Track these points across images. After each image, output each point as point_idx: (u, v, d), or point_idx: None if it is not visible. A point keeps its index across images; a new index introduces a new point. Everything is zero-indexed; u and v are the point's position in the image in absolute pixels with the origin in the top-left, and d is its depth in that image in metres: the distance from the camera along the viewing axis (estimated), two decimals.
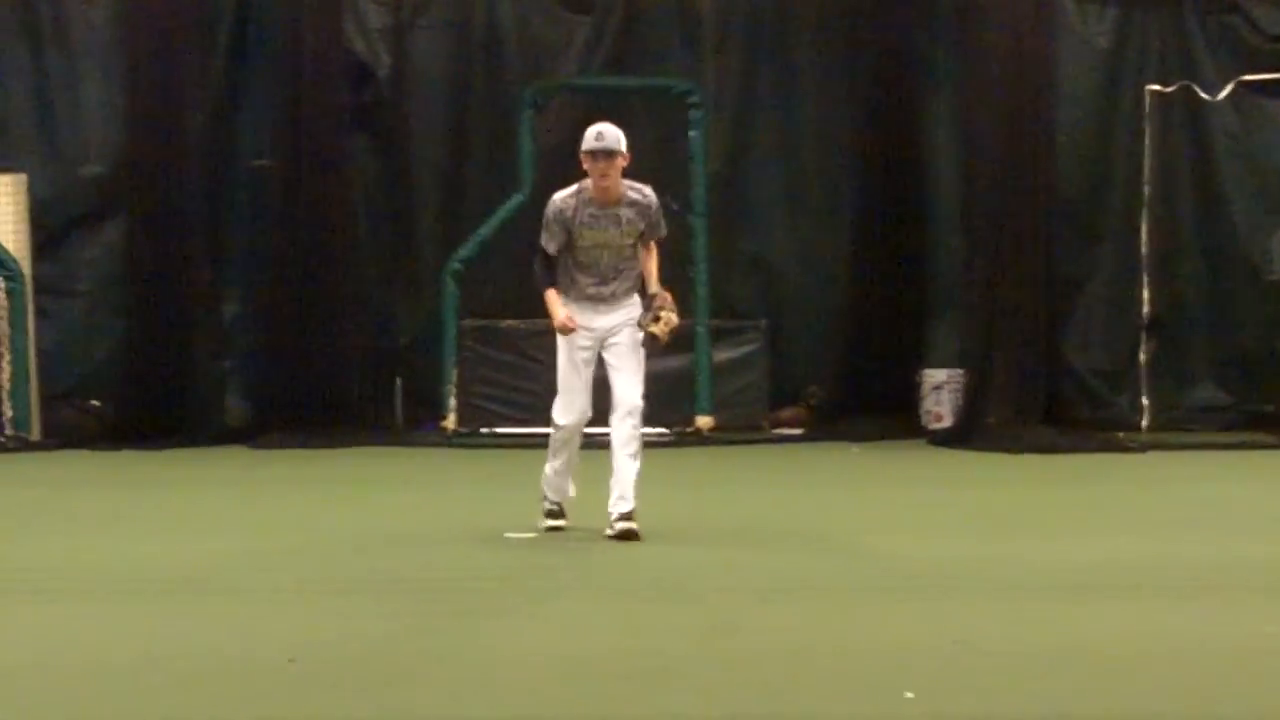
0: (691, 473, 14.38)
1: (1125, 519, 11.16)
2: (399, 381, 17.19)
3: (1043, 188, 16.28)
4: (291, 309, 16.47)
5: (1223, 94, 16.97)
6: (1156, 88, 16.99)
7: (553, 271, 9.80)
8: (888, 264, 17.11)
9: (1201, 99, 16.98)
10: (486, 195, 17.00)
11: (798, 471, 14.57)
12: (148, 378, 16.33)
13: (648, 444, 15.49)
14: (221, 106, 16.92)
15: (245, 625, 7.31)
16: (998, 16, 16.26)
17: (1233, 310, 17.12)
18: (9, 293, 16.13)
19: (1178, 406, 17.10)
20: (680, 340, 16.47)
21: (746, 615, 7.47)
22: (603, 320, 9.79)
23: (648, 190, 9.92)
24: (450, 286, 16.69)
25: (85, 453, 15.77)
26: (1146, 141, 16.91)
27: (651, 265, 9.90)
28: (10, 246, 16.26)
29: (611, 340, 9.80)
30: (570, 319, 9.67)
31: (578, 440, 9.88)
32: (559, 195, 9.78)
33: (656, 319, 9.69)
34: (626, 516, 9.60)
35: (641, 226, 9.79)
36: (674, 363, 16.66)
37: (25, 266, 16.32)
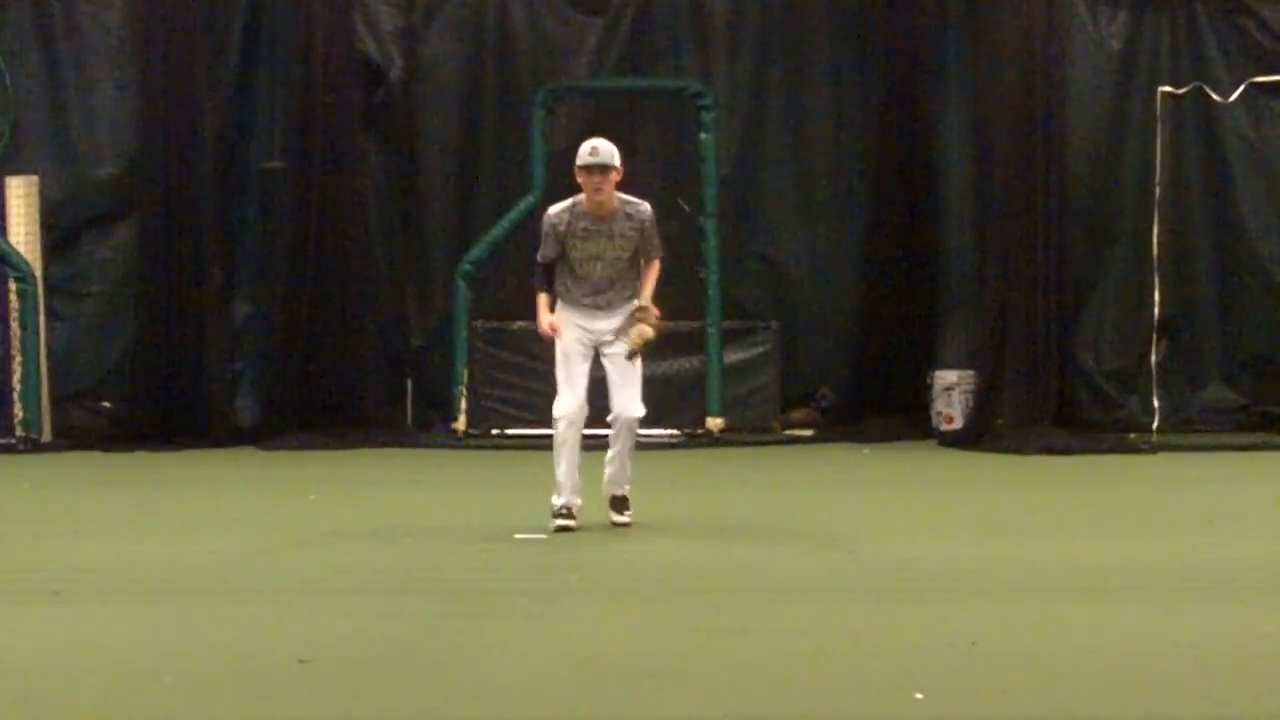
0: (702, 474, 14.41)
1: (1136, 520, 11.14)
2: (409, 382, 17.21)
3: (1054, 189, 16.25)
4: (302, 310, 16.48)
5: (1234, 95, 16.94)
6: (1168, 89, 16.97)
7: (549, 278, 10.12)
8: (899, 265, 17.11)
9: (1213, 100, 16.96)
10: (498, 196, 17.01)
11: (808, 473, 14.57)
12: (159, 379, 16.35)
13: (659, 445, 15.70)
14: (233, 108, 16.94)
15: (255, 626, 7.32)
16: (1009, 19, 16.25)
17: (1244, 311, 17.11)
18: (20, 294, 16.15)
19: (1189, 408, 17.08)
20: (691, 342, 16.68)
21: (756, 616, 7.47)
22: (600, 324, 10.10)
23: (644, 206, 10.16)
24: (461, 288, 16.69)
25: (96, 454, 15.80)
26: (1158, 143, 16.89)
27: (648, 280, 10.16)
28: (22, 248, 16.28)
29: (611, 350, 10.10)
30: (553, 326, 10.00)
31: (577, 435, 10.01)
32: (554, 208, 10.13)
33: (635, 327, 9.94)
34: (619, 500, 10.19)
35: (636, 241, 10.05)
36: (685, 364, 16.73)
37: (37, 268, 16.35)
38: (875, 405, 17.07)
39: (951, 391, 16.75)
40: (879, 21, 17.32)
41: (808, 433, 16.91)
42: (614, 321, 10.07)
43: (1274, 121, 17.05)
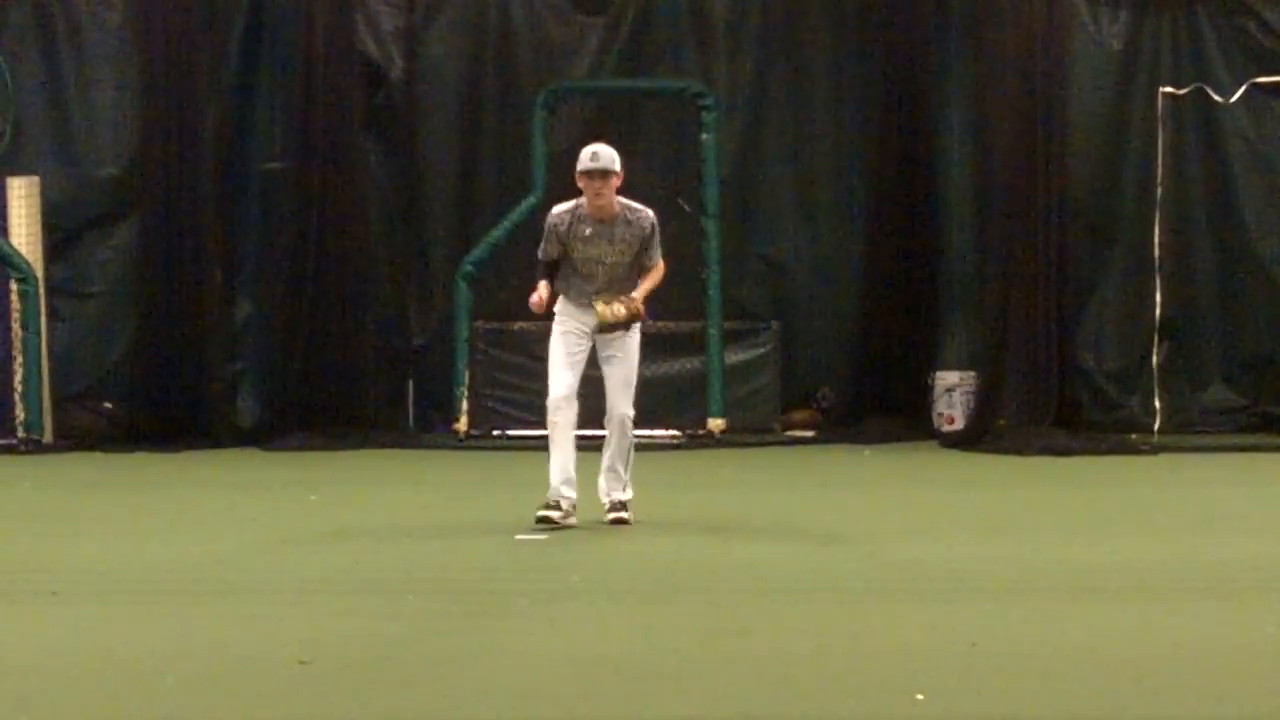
0: (703, 475, 14.40)
1: (1137, 521, 11.14)
2: (410, 383, 17.21)
3: (1055, 190, 16.24)
4: (303, 311, 16.49)
5: (1235, 96, 16.93)
6: (1169, 90, 16.96)
7: (549, 270, 10.31)
8: (900, 266, 17.11)
9: (1214, 101, 16.95)
10: (499, 197, 17.01)
11: (809, 473, 14.57)
12: (160, 379, 16.36)
13: (660, 446, 15.70)
14: (234, 109, 16.95)
15: (256, 626, 7.32)
16: (1010, 19, 16.24)
17: (1245, 312, 17.11)
18: (22, 295, 16.15)
19: (1190, 409, 17.07)
20: (692, 343, 16.68)
21: (757, 616, 7.47)
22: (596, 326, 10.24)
23: (646, 213, 10.31)
24: (462, 289, 16.69)
25: (97, 454, 15.81)
26: (1159, 144, 16.87)
27: (648, 280, 10.34)
28: (23, 248, 16.28)
29: (607, 353, 10.30)
30: (542, 300, 10.20)
31: (567, 421, 10.10)
32: (557, 209, 10.31)
33: (610, 303, 10.10)
34: (618, 505, 10.22)
35: (636, 247, 10.20)
36: (685, 365, 16.75)
37: (38, 268, 16.35)
38: (876, 406, 17.07)
39: (952, 392, 16.77)
40: (879, 22, 17.32)
41: (808, 434, 16.92)
42: (616, 330, 10.23)
43: (1275, 122, 17.04)
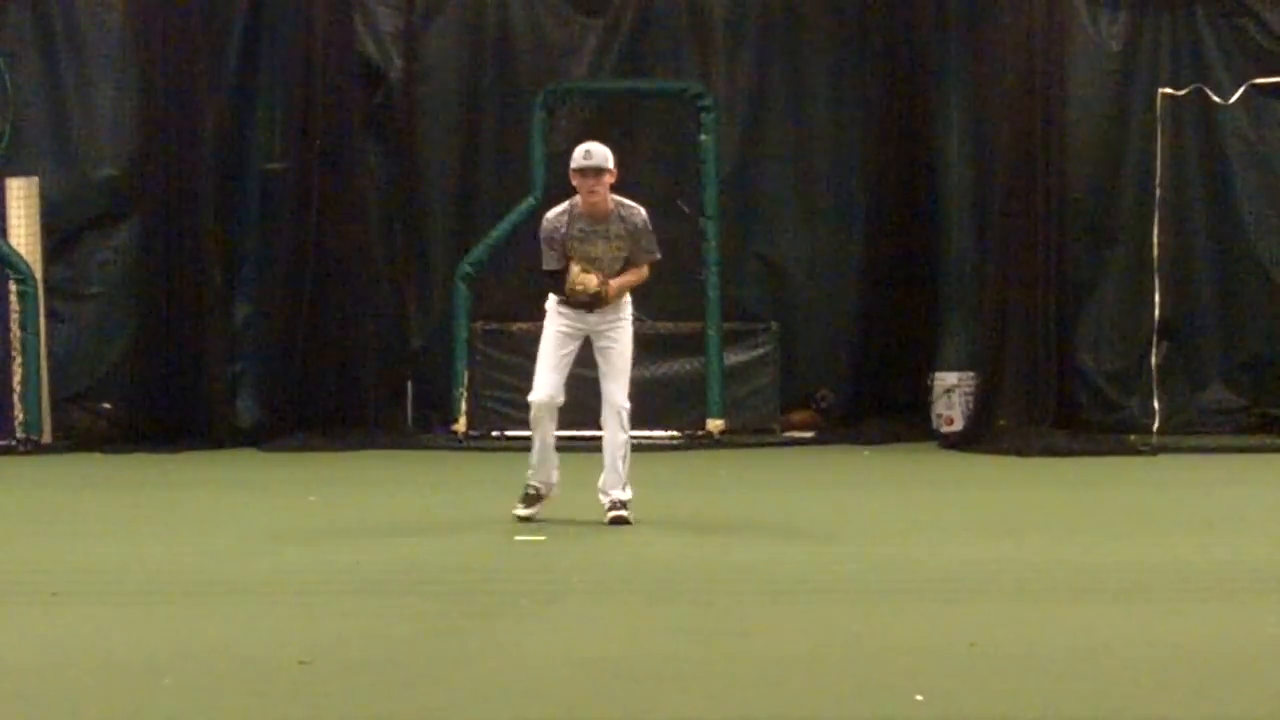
0: (702, 475, 14.40)
1: (1136, 522, 11.14)
2: (410, 384, 17.21)
3: (1054, 190, 16.25)
4: (303, 311, 16.49)
5: (1234, 97, 16.94)
6: (1168, 91, 16.97)
7: (561, 279, 10.33)
8: (899, 267, 17.12)
9: (1213, 102, 16.96)
10: (498, 198, 17.02)
11: (808, 474, 14.57)
12: (159, 380, 16.37)
13: (659, 447, 15.71)
14: (233, 109, 16.95)
15: (255, 626, 7.32)
16: (1009, 19, 16.26)
17: (1244, 313, 17.11)
18: (21, 295, 16.15)
19: (1189, 409, 17.08)
20: (691, 344, 16.68)
21: (756, 617, 7.47)
22: (591, 317, 10.34)
23: (638, 209, 10.39)
24: (461, 289, 16.70)
25: (96, 455, 15.82)
26: (1158, 144, 16.88)
27: (631, 273, 10.38)
28: (22, 249, 16.28)
29: (601, 344, 10.38)
30: (579, 279, 10.19)
31: (549, 423, 10.36)
32: (551, 213, 10.41)
33: (589, 272, 10.20)
34: (619, 505, 10.27)
35: (630, 243, 10.29)
36: (685, 366, 16.75)
37: (37, 269, 16.35)
38: (875, 407, 17.08)
39: (951, 393, 16.77)
40: (879, 22, 17.33)
41: (808, 434, 16.92)
42: (606, 315, 10.33)
43: (1274, 123, 17.05)
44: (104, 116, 16.85)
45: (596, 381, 10.48)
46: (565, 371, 10.38)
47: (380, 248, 17.14)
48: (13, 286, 16.19)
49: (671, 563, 9.08)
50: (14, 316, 16.16)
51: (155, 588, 8.39)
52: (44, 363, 16.30)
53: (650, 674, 6.28)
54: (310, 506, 12.03)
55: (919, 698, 5.84)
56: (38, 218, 16.52)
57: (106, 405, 16.74)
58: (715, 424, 16.63)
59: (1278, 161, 17.04)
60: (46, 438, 16.23)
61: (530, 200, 16.30)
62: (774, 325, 17.25)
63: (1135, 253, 16.99)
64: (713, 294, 16.64)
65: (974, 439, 15.96)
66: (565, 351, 10.37)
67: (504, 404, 16.65)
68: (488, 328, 16.76)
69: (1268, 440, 16.19)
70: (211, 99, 16.67)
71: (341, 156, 16.63)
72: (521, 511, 10.47)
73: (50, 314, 16.56)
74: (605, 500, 10.34)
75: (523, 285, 15.63)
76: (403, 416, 17.16)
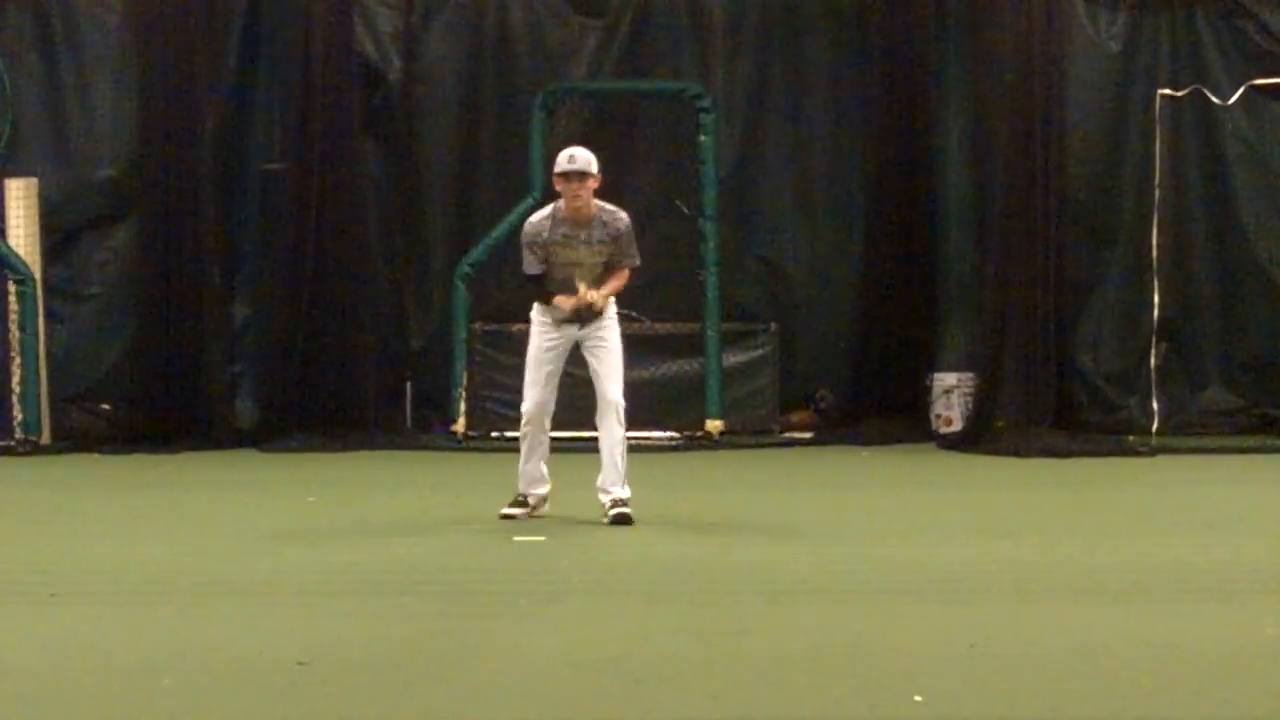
0: (701, 476, 14.40)
1: (1135, 522, 11.14)
2: (409, 384, 17.21)
3: (1053, 191, 16.26)
4: (302, 312, 16.49)
5: (1233, 98, 16.95)
6: (1167, 91, 16.98)
7: (544, 285, 10.45)
8: (898, 267, 17.13)
9: (1212, 103, 16.97)
10: (497, 198, 17.03)
11: (807, 475, 14.58)
12: (158, 380, 16.36)
13: (658, 448, 15.71)
14: (232, 110, 16.96)
15: (254, 627, 7.32)
16: (1009, 20, 16.26)
17: (1243, 313, 17.12)
18: (20, 296, 16.15)
19: (1188, 410, 17.09)
20: (690, 344, 16.69)
21: (756, 617, 7.47)
22: (575, 328, 10.41)
23: (621, 214, 10.45)
24: (460, 290, 16.70)
25: (95, 456, 15.82)
26: (1157, 145, 16.89)
27: (613, 280, 10.43)
28: (21, 249, 16.29)
29: (590, 343, 10.44)
30: (582, 296, 10.24)
31: (541, 433, 10.49)
32: (533, 217, 10.51)
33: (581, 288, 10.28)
34: (619, 503, 10.28)
35: (611, 248, 10.35)
36: (684, 367, 16.76)
37: (36, 269, 16.36)
38: (874, 407, 17.08)
39: (950, 393, 16.78)
40: (878, 23, 17.34)
41: (807, 435, 16.93)
42: (590, 320, 10.36)
43: (1273, 124, 17.06)
44: (103, 117, 16.86)
45: (590, 381, 10.53)
46: (554, 382, 10.48)
47: (379, 248, 17.15)
48: (12, 287, 16.19)
49: (671, 563, 9.08)
50: (13, 317, 16.16)
51: (154, 588, 8.39)
52: (43, 363, 16.30)
53: (650, 674, 6.28)
54: (309, 507, 12.03)
55: (918, 698, 5.84)
56: (37, 218, 16.52)
57: (105, 406, 16.74)
58: (714, 424, 16.63)
59: (1276, 162, 17.05)
60: (45, 438, 16.23)
61: (529, 201, 16.27)
62: (773, 326, 17.25)
63: (1134, 253, 17.00)
64: (712, 294, 16.64)
65: (973, 439, 15.97)
66: (551, 366, 10.46)
67: (503, 404, 16.62)
68: (487, 328, 16.75)
69: (1267, 440, 16.20)
70: (211, 99, 16.68)
71: (340, 157, 16.64)
72: (506, 510, 10.57)
73: (49, 314, 16.56)
74: (606, 499, 10.35)
75: (522, 286, 15.61)
76: (402, 417, 17.17)
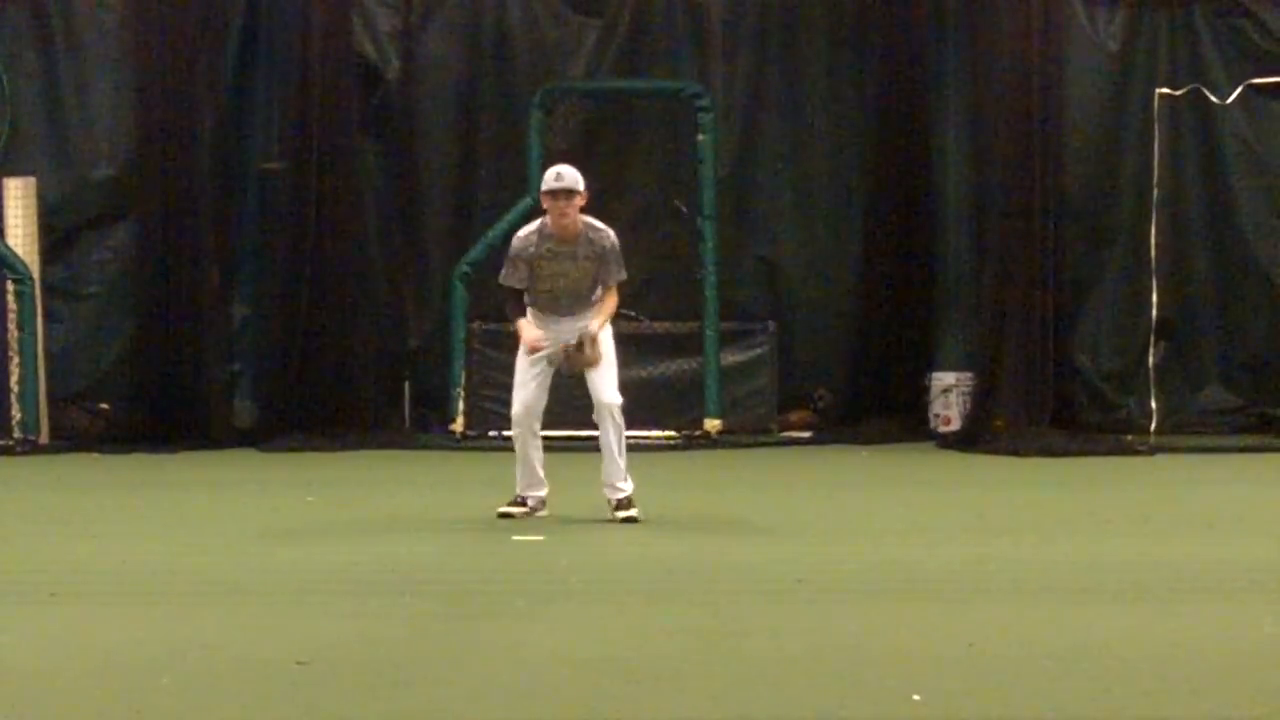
0: (700, 475, 14.40)
1: (1134, 522, 11.14)
2: (407, 384, 17.21)
3: (1052, 190, 16.26)
4: (300, 311, 16.49)
5: (1232, 97, 16.95)
6: (1166, 91, 16.97)
7: (520, 303, 10.58)
8: (896, 267, 17.14)
9: (1211, 102, 16.97)
10: (495, 198, 17.02)
11: (806, 474, 14.57)
12: (156, 380, 16.37)
13: (657, 447, 15.70)
14: (231, 109, 16.96)
15: (253, 627, 7.32)
16: (1007, 20, 16.25)
17: (1242, 313, 17.12)
18: (18, 295, 16.15)
19: (1187, 409, 17.09)
20: (689, 344, 16.69)
21: (755, 617, 7.47)
22: (564, 328, 10.51)
23: (608, 232, 10.52)
24: (459, 289, 16.70)
25: (94, 455, 15.82)
26: (1155, 144, 16.89)
27: (604, 307, 10.50)
28: (20, 249, 16.29)
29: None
30: (540, 340, 10.43)
31: (531, 434, 10.54)
32: (522, 232, 10.59)
33: (573, 348, 10.33)
34: (623, 504, 10.36)
35: (596, 265, 10.42)
36: (682, 366, 16.76)
37: (34, 269, 16.36)
38: (873, 407, 17.09)
39: (949, 393, 16.77)
40: (876, 22, 17.34)
41: (805, 434, 16.93)
42: (578, 324, 10.45)
43: (1272, 123, 17.06)
44: (102, 117, 16.86)
45: (581, 381, 10.58)
46: (543, 383, 10.54)
47: (378, 247, 17.15)
48: (10, 286, 16.19)
49: (670, 562, 9.08)
50: (11, 316, 16.16)
51: (153, 587, 8.39)
52: (41, 363, 16.30)
53: (649, 674, 6.28)
54: (308, 506, 12.03)
55: (917, 697, 5.84)
56: (35, 218, 16.52)
57: (104, 405, 16.73)
58: (713, 424, 16.63)
59: (1275, 161, 17.05)
60: (44, 438, 16.24)
61: (528, 200, 16.27)
62: (772, 325, 17.26)
63: (1133, 252, 17.00)
64: (710, 294, 16.64)
65: (971, 439, 15.97)
66: (540, 369, 10.52)
67: (502, 404, 16.49)
68: (485, 328, 16.74)
69: (1265, 440, 16.19)
70: (209, 99, 16.68)
71: (339, 156, 16.64)
72: (505, 509, 10.61)
73: (48, 314, 16.56)
74: (612, 496, 10.43)
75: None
76: (400, 416, 17.17)
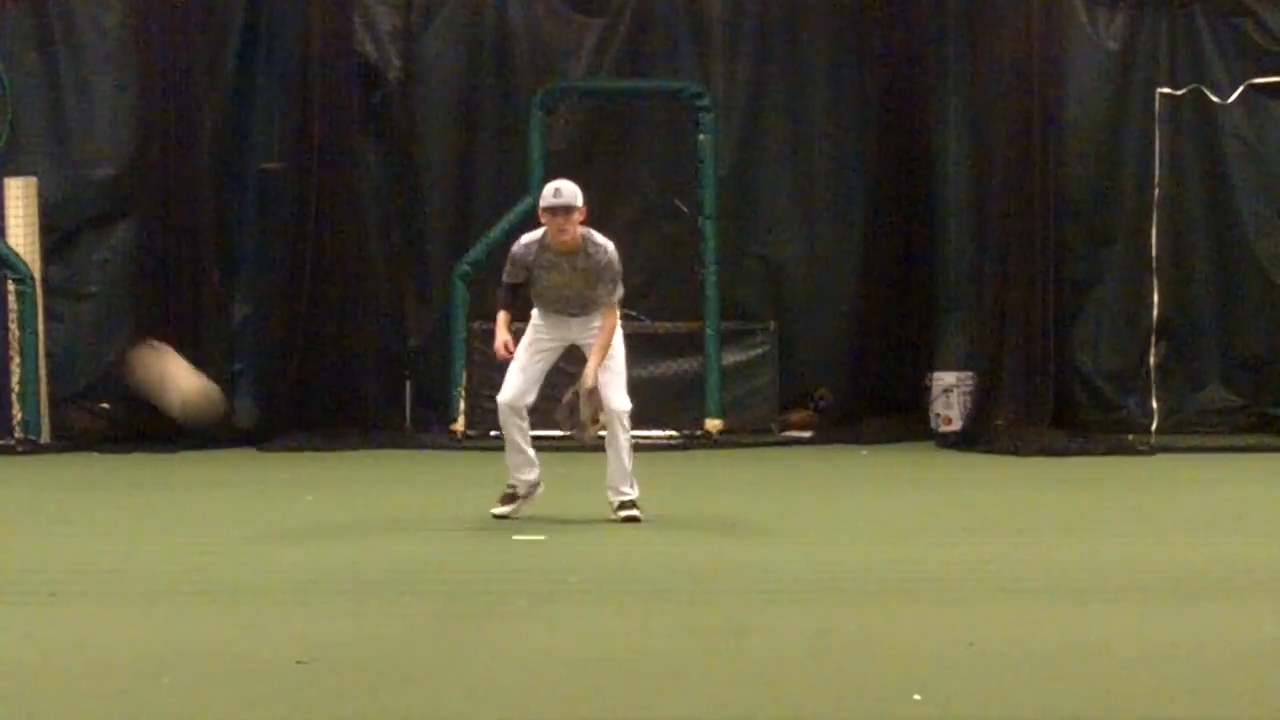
0: (700, 475, 14.40)
1: (1134, 521, 11.15)
2: (408, 384, 17.21)
3: (1052, 190, 16.24)
4: (301, 311, 16.47)
5: (1233, 97, 16.93)
6: (1167, 90, 16.96)
7: (512, 298, 10.65)
8: (897, 266, 17.12)
9: (1211, 102, 16.95)
10: (496, 198, 17.00)
11: (807, 474, 14.58)
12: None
13: (657, 447, 15.70)
14: (231, 109, 16.93)
15: (253, 627, 7.32)
16: (1008, 19, 16.24)
17: (1243, 313, 17.10)
18: (19, 295, 16.14)
19: (1187, 409, 17.06)
20: (689, 343, 16.69)
21: (755, 616, 7.47)
22: (574, 328, 10.55)
23: (607, 246, 10.48)
24: (459, 289, 16.69)
25: (94, 455, 15.80)
26: (1156, 144, 16.87)
27: (601, 340, 10.40)
28: (20, 249, 16.27)
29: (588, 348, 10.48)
30: (507, 347, 10.46)
31: (517, 424, 10.47)
32: (524, 239, 10.62)
33: (576, 415, 10.33)
34: (627, 505, 10.39)
35: (595, 276, 10.39)
36: (683, 366, 16.76)
37: (35, 269, 16.34)
38: (873, 406, 17.06)
39: (950, 393, 16.76)
40: (877, 22, 17.32)
41: (806, 434, 16.91)
42: (587, 325, 10.45)
43: (1272, 123, 17.03)
44: (102, 116, 16.83)
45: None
46: (537, 378, 10.53)
47: (378, 247, 17.14)
48: (11, 286, 16.17)
49: (670, 563, 9.08)
50: (12, 316, 16.14)
51: (153, 587, 8.39)
52: (42, 362, 16.29)
53: (649, 674, 6.28)
54: (308, 506, 12.03)
55: (917, 697, 5.85)
56: (36, 217, 16.50)
57: (105, 405, 16.71)
58: (713, 424, 16.62)
59: (1276, 161, 17.02)
60: (45, 437, 16.22)
61: (528, 200, 16.22)
62: (772, 325, 17.24)
63: (1134, 252, 16.98)
64: (711, 293, 16.63)
65: (972, 439, 15.96)
66: (539, 361, 10.53)
67: None
68: (486, 327, 16.66)
69: (1266, 440, 16.18)
70: (210, 98, 16.66)
71: (340, 156, 16.62)
72: (498, 510, 10.59)
73: (48, 314, 16.54)
74: (615, 499, 10.43)
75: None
76: (401, 416, 17.15)
